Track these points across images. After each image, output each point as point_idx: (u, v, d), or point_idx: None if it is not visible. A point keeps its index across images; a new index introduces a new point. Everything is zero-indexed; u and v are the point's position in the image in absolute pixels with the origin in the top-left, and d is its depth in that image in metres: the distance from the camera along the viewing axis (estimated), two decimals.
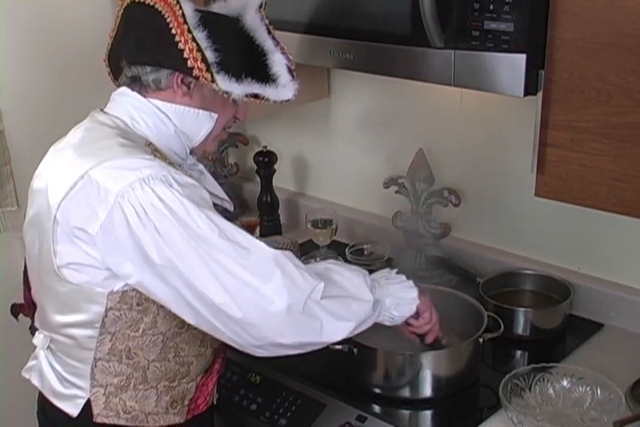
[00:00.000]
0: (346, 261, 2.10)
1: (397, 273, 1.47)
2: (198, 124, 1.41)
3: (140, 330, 1.36)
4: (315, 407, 1.61)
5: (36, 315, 1.50)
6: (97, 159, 1.28)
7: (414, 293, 1.45)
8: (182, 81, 1.37)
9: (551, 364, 1.57)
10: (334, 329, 1.30)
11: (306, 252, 2.16)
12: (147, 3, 1.33)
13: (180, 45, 1.30)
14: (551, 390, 1.53)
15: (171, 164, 1.35)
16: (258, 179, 2.32)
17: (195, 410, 1.48)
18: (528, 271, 1.92)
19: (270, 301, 1.24)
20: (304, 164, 2.38)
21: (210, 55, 1.31)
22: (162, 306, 1.32)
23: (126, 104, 1.40)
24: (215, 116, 1.42)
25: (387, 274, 1.46)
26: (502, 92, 1.42)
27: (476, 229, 2.02)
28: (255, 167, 2.30)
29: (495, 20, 1.35)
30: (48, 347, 1.46)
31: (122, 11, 1.40)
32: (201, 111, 1.40)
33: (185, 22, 1.30)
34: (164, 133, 1.39)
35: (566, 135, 1.40)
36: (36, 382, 1.50)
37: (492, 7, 1.35)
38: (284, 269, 1.26)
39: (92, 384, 1.39)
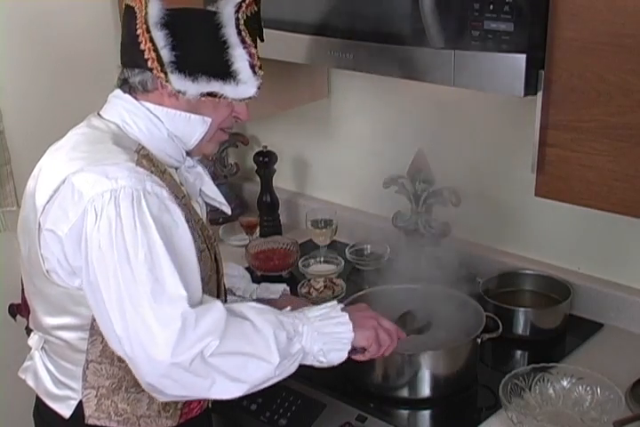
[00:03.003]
0: (346, 261, 2.11)
1: (342, 310, 1.38)
2: (191, 127, 1.40)
3: None
4: (315, 407, 1.61)
5: (30, 316, 1.50)
6: (80, 164, 1.29)
7: (348, 335, 1.35)
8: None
9: (551, 364, 1.57)
10: (225, 388, 1.26)
11: (306, 252, 2.16)
12: (130, 5, 1.33)
13: (142, 46, 1.30)
14: (551, 391, 1.53)
15: (162, 171, 1.35)
16: (258, 179, 2.32)
17: (188, 414, 1.47)
18: (528, 271, 1.92)
19: (159, 350, 1.21)
20: (304, 164, 2.38)
21: (165, 54, 1.30)
22: None
23: (119, 107, 1.39)
24: (208, 120, 1.40)
25: (325, 312, 1.37)
26: (502, 92, 1.42)
27: (476, 229, 2.02)
28: (255, 167, 2.30)
29: (495, 20, 1.35)
30: (42, 348, 1.47)
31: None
32: (192, 115, 1.38)
33: (146, 22, 1.30)
34: (157, 137, 1.38)
35: (566, 135, 1.40)
36: (30, 382, 1.50)
37: (491, 7, 1.35)
38: (185, 325, 1.21)
39: (83, 386, 1.40)
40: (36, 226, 1.31)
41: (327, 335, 1.33)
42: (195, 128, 1.40)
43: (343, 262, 2.10)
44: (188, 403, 1.47)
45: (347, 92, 2.18)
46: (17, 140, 2.06)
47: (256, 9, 1.38)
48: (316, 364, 1.35)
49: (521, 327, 1.78)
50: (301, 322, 1.33)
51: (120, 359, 1.36)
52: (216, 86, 1.33)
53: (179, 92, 1.32)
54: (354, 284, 2.01)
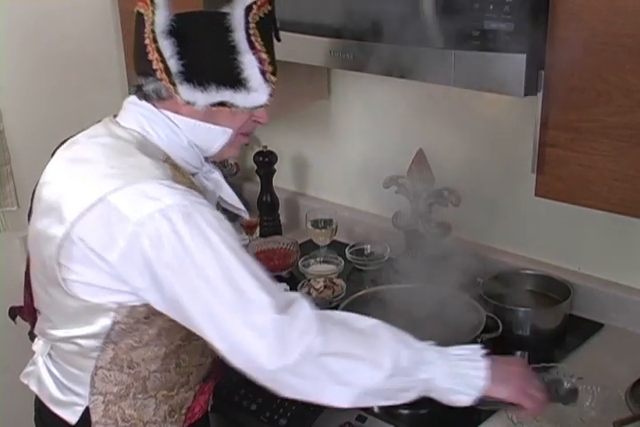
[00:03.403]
0: (346, 261, 2.11)
1: (483, 355, 1.30)
2: (211, 137, 1.38)
3: (144, 342, 1.34)
4: (315, 407, 1.60)
5: (37, 323, 1.48)
6: (117, 183, 1.24)
7: (481, 381, 1.27)
8: None
9: (551, 364, 1.57)
10: (335, 393, 1.23)
11: (306, 252, 2.15)
12: (139, 10, 1.31)
13: (149, 56, 1.27)
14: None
15: (190, 181, 1.33)
16: (258, 179, 2.32)
17: (191, 418, 1.47)
18: (528, 271, 1.92)
19: (263, 358, 1.19)
20: (304, 164, 2.38)
21: (173, 65, 1.27)
22: (169, 319, 1.30)
23: (137, 114, 1.36)
24: (229, 131, 1.37)
25: (467, 353, 1.30)
26: (502, 92, 1.42)
27: (476, 229, 2.02)
28: (255, 167, 2.30)
29: (495, 20, 1.35)
30: (48, 354, 1.45)
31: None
32: (213, 126, 1.36)
33: (153, 31, 1.27)
34: (177, 145, 1.36)
35: (566, 135, 1.40)
36: (34, 387, 1.48)
37: (491, 7, 1.35)
38: (280, 330, 1.20)
39: (91, 392, 1.38)
40: (60, 240, 1.27)
41: (461, 376, 1.27)
42: (215, 138, 1.38)
43: (343, 262, 2.10)
44: (192, 407, 1.47)
45: (347, 93, 2.18)
46: (17, 140, 2.06)
47: (269, 8, 1.34)
48: (441, 400, 1.30)
49: (521, 327, 1.78)
50: (438, 355, 1.28)
51: (130, 366, 1.36)
52: (226, 95, 1.30)
53: (188, 102, 1.29)
54: (354, 284, 2.01)
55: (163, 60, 1.26)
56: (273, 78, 1.32)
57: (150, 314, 1.31)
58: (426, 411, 1.61)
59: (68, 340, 1.37)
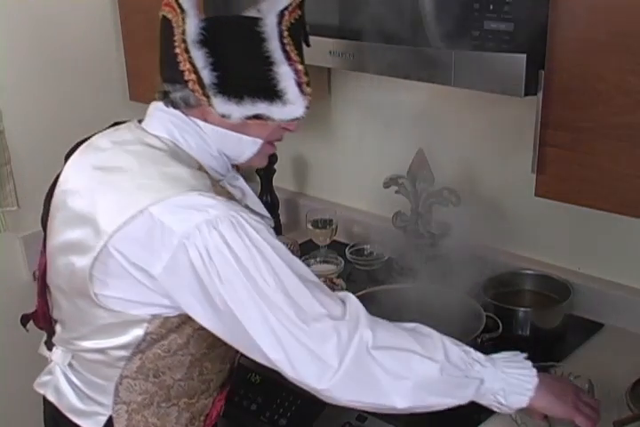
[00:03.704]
0: (346, 261, 2.11)
1: (525, 358, 1.32)
2: (241, 148, 1.35)
3: (172, 350, 1.33)
4: (315, 407, 1.60)
5: (58, 333, 1.44)
6: (157, 194, 1.21)
7: (532, 379, 1.28)
8: None
9: (550, 363, 1.57)
10: (392, 389, 1.20)
11: (306, 252, 2.16)
12: (167, 17, 1.27)
13: (181, 66, 1.24)
14: None
15: (225, 189, 1.32)
16: (258, 179, 2.32)
17: (209, 424, 1.47)
18: (528, 271, 1.92)
19: (326, 365, 1.17)
20: (304, 164, 2.38)
21: (206, 76, 1.24)
22: (198, 328, 1.29)
23: (166, 121, 1.33)
24: (260, 142, 1.35)
25: (509, 355, 1.33)
26: (502, 92, 1.42)
27: (476, 230, 2.02)
28: (255, 167, 2.30)
29: (495, 20, 1.35)
30: (69, 363, 1.41)
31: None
32: (244, 137, 1.33)
33: (184, 40, 1.23)
34: (206, 153, 1.33)
35: (566, 135, 1.40)
36: (51, 398, 1.44)
37: (491, 7, 1.35)
38: (341, 336, 1.18)
39: (115, 401, 1.36)
40: (96, 253, 1.23)
41: (511, 376, 1.27)
42: (245, 148, 1.36)
43: (343, 262, 2.09)
44: (209, 414, 1.46)
45: (347, 92, 2.18)
46: (17, 140, 2.06)
47: (300, 13, 1.30)
48: (495, 406, 1.29)
49: (521, 327, 1.78)
50: (485, 357, 1.28)
51: (155, 375, 1.34)
52: (262, 108, 1.27)
53: (223, 116, 1.26)
54: (354, 284, 2.01)
55: (196, 72, 1.23)
56: (308, 90, 1.28)
57: (181, 323, 1.29)
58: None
59: (95, 351, 1.34)
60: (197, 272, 1.18)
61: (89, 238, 1.25)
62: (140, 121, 1.38)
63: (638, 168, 1.34)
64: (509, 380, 1.27)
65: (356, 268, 2.13)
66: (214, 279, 1.17)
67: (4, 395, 2.18)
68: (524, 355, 1.32)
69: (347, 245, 2.17)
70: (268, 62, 1.26)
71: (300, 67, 1.27)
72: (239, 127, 1.31)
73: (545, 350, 1.76)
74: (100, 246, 1.23)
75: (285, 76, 1.27)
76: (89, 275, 1.25)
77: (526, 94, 1.39)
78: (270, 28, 1.26)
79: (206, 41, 1.24)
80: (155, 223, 1.19)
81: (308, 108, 1.29)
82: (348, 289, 1.96)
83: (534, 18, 1.34)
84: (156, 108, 1.35)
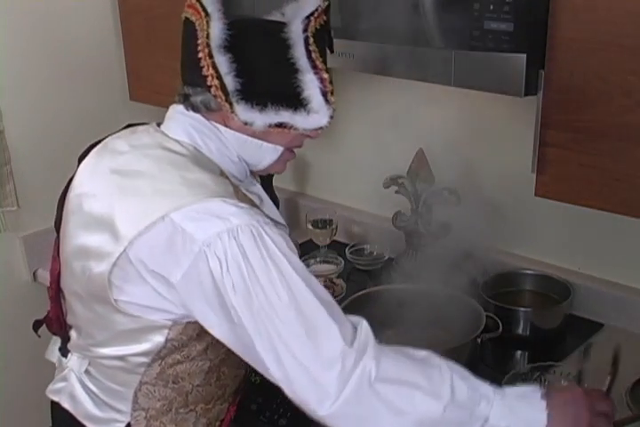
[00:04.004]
0: (346, 261, 2.11)
1: (542, 396, 1.19)
2: (261, 154, 1.33)
3: (191, 356, 1.31)
4: None
5: (74, 339, 1.42)
6: (179, 200, 1.18)
7: (540, 424, 1.17)
8: None
9: (548, 362, 1.57)
10: (391, 423, 1.14)
11: (306, 252, 2.15)
12: (190, 19, 1.25)
13: (204, 71, 1.21)
14: None
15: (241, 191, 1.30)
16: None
17: None
18: (528, 271, 1.92)
19: (325, 391, 1.13)
20: (304, 164, 2.38)
21: (230, 82, 1.21)
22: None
23: (187, 125, 1.30)
24: (280, 149, 1.32)
25: (523, 392, 1.21)
26: (502, 92, 1.42)
27: (476, 229, 2.02)
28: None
29: (495, 20, 1.35)
30: (85, 370, 1.39)
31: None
32: (265, 144, 1.31)
33: (208, 45, 1.21)
34: (227, 158, 1.31)
35: (566, 135, 1.40)
36: (66, 405, 1.41)
37: (491, 7, 1.35)
38: (345, 363, 1.13)
39: (133, 408, 1.35)
40: (115, 258, 1.21)
41: (518, 417, 1.17)
42: (265, 155, 1.33)
43: (343, 262, 2.09)
44: (225, 420, 1.45)
45: (347, 93, 2.18)
46: (17, 140, 2.06)
47: (325, 19, 1.27)
48: None
49: (521, 327, 1.78)
50: (496, 392, 1.18)
51: (175, 381, 1.33)
52: (285, 116, 1.24)
53: (245, 123, 1.23)
54: (354, 284, 2.02)
55: (219, 77, 1.20)
56: (333, 99, 1.26)
57: (202, 331, 1.26)
58: None
59: (114, 357, 1.32)
60: (216, 281, 1.16)
61: (107, 244, 1.23)
62: (158, 124, 1.36)
63: (638, 168, 1.34)
64: (517, 421, 1.17)
65: (356, 268, 2.13)
66: (229, 290, 1.15)
67: (5, 394, 2.18)
68: (542, 391, 1.20)
69: (347, 245, 2.17)
70: (293, 70, 1.24)
71: (325, 75, 1.25)
72: (260, 134, 1.28)
73: (545, 350, 1.76)
74: (119, 252, 1.20)
75: (310, 84, 1.24)
76: (107, 281, 1.23)
77: (526, 94, 1.39)
78: (296, 34, 1.24)
79: (231, 46, 1.21)
80: (176, 230, 1.17)
81: (332, 117, 1.27)
82: (348, 289, 1.96)
83: (534, 18, 1.34)
84: (177, 112, 1.32)
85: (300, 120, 1.25)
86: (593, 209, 1.44)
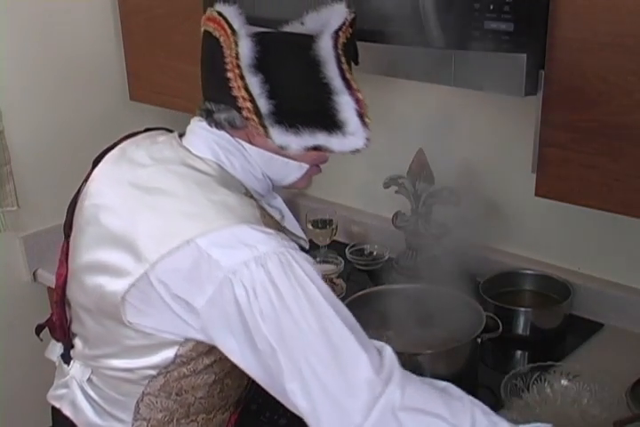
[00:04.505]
0: (346, 261, 2.11)
1: None
2: (286, 172, 1.31)
3: (198, 370, 1.29)
4: None
5: (78, 349, 1.40)
6: (205, 225, 1.16)
7: None
8: None
9: (548, 362, 1.57)
10: None
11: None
12: (214, 34, 1.21)
13: (234, 92, 1.18)
14: (549, 390, 1.53)
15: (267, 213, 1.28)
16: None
17: None
18: (528, 271, 1.92)
19: (350, 420, 1.09)
20: None
21: (263, 105, 1.18)
22: None
23: (211, 142, 1.27)
24: (306, 167, 1.30)
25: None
26: (502, 92, 1.42)
27: (476, 229, 2.02)
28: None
29: (495, 20, 1.35)
30: (88, 379, 1.37)
31: (202, 35, 1.27)
32: (291, 161, 1.28)
33: (238, 66, 1.17)
34: (251, 175, 1.29)
35: (566, 135, 1.40)
36: (68, 412, 1.40)
37: (492, 7, 1.35)
38: (374, 392, 1.09)
39: (134, 418, 1.33)
40: (136, 277, 1.18)
41: None
42: (290, 172, 1.31)
43: (343, 262, 2.10)
44: (236, 420, 1.45)
45: None
46: (17, 140, 2.06)
47: (351, 31, 1.24)
48: None
49: (521, 327, 1.78)
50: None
51: (177, 393, 1.31)
52: (321, 139, 1.22)
53: (281, 147, 1.21)
54: (354, 284, 2.02)
55: (252, 100, 1.17)
56: (369, 121, 1.24)
57: (212, 348, 1.24)
58: None
59: (120, 369, 1.31)
60: (241, 309, 1.13)
61: (126, 263, 1.20)
62: (180, 135, 1.34)
63: (638, 168, 1.34)
64: None
65: (356, 268, 2.13)
66: (257, 317, 1.12)
67: (5, 394, 2.18)
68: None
69: (347, 245, 2.17)
70: (327, 90, 1.21)
71: (360, 96, 1.23)
72: (285, 151, 1.26)
73: (545, 350, 1.76)
74: (140, 274, 1.18)
75: (346, 106, 1.22)
76: (121, 299, 1.21)
77: (526, 94, 1.39)
78: (326, 51, 1.21)
79: (261, 65, 1.18)
80: (201, 255, 1.14)
81: (368, 139, 1.25)
82: (348, 289, 1.96)
83: (534, 18, 1.34)
84: (200, 127, 1.29)
85: (336, 142, 1.23)
86: (593, 209, 1.44)
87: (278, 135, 1.20)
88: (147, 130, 1.42)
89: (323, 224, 2.17)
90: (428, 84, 1.53)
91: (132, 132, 1.41)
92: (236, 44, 1.17)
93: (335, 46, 1.21)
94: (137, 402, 1.32)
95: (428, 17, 1.40)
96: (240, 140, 1.27)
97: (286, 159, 1.28)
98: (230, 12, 1.21)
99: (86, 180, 1.36)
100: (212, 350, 1.26)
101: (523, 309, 1.78)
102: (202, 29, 1.26)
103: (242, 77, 1.17)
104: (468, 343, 1.59)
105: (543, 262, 1.95)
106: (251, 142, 1.27)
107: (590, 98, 1.35)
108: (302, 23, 1.28)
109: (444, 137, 1.99)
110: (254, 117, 1.19)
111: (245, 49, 1.17)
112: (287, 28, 1.30)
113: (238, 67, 1.17)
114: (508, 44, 1.36)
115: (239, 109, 1.19)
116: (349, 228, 2.25)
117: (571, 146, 1.40)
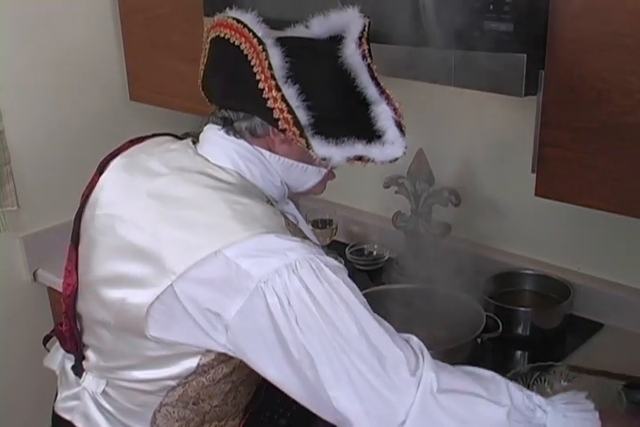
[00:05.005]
0: (346, 261, 2.11)
1: (586, 397, 1.23)
2: (305, 178, 1.31)
3: (217, 380, 1.28)
4: None
5: (93, 360, 1.36)
6: (232, 236, 1.14)
7: (594, 422, 1.19)
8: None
9: (548, 362, 1.57)
10: None
11: None
12: (232, 41, 1.18)
13: (270, 104, 1.15)
14: (549, 390, 1.53)
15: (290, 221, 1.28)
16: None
17: None
18: (528, 271, 1.92)
19: (398, 414, 1.10)
20: None
21: (302, 116, 1.15)
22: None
23: (230, 150, 1.25)
24: (324, 171, 1.30)
25: (568, 396, 1.22)
26: (502, 92, 1.42)
27: (476, 229, 2.02)
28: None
29: (495, 20, 1.35)
30: (102, 391, 1.34)
31: (209, 41, 1.25)
32: (310, 167, 1.28)
33: (272, 77, 1.14)
34: (270, 183, 1.28)
35: (566, 135, 1.40)
36: (79, 424, 1.37)
37: (491, 7, 1.35)
38: (414, 381, 1.11)
39: None
40: (162, 289, 1.15)
41: (572, 421, 1.18)
42: (309, 178, 1.31)
43: (343, 262, 2.09)
44: (246, 423, 1.44)
45: None
46: (17, 140, 2.06)
47: (367, 35, 1.26)
48: None
49: (521, 327, 1.78)
50: (545, 401, 1.19)
51: (195, 403, 1.30)
52: (360, 149, 1.20)
53: (324, 158, 1.19)
54: (354, 284, 2.01)
55: (290, 111, 1.15)
56: (404, 129, 1.24)
57: (233, 355, 1.23)
58: None
59: (139, 381, 1.29)
60: (274, 318, 1.11)
61: (150, 275, 1.17)
62: (193, 142, 1.32)
63: (638, 168, 1.34)
64: (572, 423, 1.18)
65: (356, 268, 2.13)
66: (293, 326, 1.11)
67: (5, 393, 2.18)
68: (585, 394, 1.24)
69: (347, 245, 2.17)
70: (362, 100, 1.22)
71: (397, 104, 1.23)
72: (306, 157, 1.24)
73: (545, 350, 1.76)
74: (166, 285, 1.15)
75: (384, 115, 1.22)
76: (145, 313, 1.18)
77: (526, 94, 1.39)
78: (354, 59, 1.22)
79: (295, 76, 1.16)
80: (229, 266, 1.12)
81: (407, 147, 1.24)
82: None
83: (534, 18, 1.34)
84: (217, 136, 1.27)
85: (376, 152, 1.22)
86: (593, 209, 1.44)
87: (320, 147, 1.18)
88: (153, 135, 1.40)
89: (323, 224, 2.17)
90: (428, 84, 1.53)
91: (136, 136, 1.40)
92: (267, 55, 1.15)
93: (363, 54, 1.22)
94: (154, 413, 1.31)
95: (428, 17, 1.40)
96: (259, 149, 1.26)
97: (305, 165, 1.28)
98: (250, 19, 1.19)
99: (91, 186, 1.33)
100: (232, 358, 1.23)
101: (523, 309, 1.78)
102: (209, 34, 1.24)
103: (278, 88, 1.15)
104: (468, 343, 1.60)
105: (543, 262, 1.95)
106: (271, 150, 1.26)
107: (590, 98, 1.35)
108: (307, 26, 1.27)
109: (444, 137, 1.99)
110: (295, 129, 1.16)
111: (277, 59, 1.16)
112: (290, 31, 1.30)
113: (272, 77, 1.15)
114: (507, 44, 1.36)
115: (274, 121, 1.16)
116: (349, 228, 2.25)
117: (571, 146, 1.40)
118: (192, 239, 1.16)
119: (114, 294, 1.24)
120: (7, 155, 2.04)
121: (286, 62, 1.16)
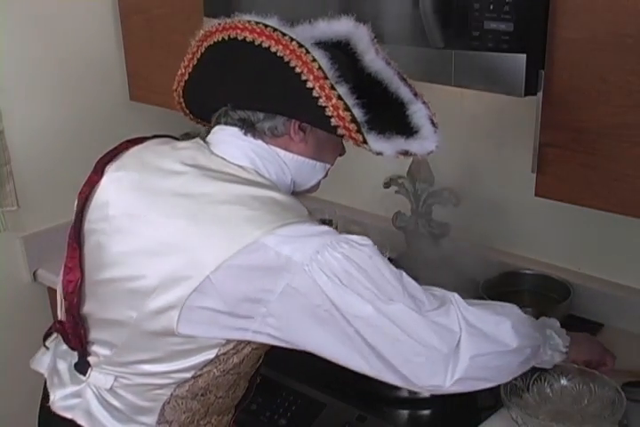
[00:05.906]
0: None
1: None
2: (313, 174, 1.37)
3: (226, 370, 1.29)
4: (315, 407, 1.61)
5: (106, 356, 1.33)
6: (268, 226, 1.17)
7: (567, 341, 1.43)
8: (299, 127, 1.28)
9: None
10: (498, 332, 1.28)
11: None
12: (257, 43, 1.22)
13: (322, 102, 1.19)
14: (549, 390, 1.53)
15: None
16: None
17: None
18: (528, 271, 1.92)
19: (455, 334, 1.24)
20: None
21: (358, 113, 1.20)
22: (255, 348, 1.27)
23: (248, 150, 1.28)
24: (328, 166, 1.38)
25: (545, 320, 1.46)
26: (502, 92, 1.42)
27: (476, 230, 2.02)
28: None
29: (495, 20, 1.35)
30: (111, 387, 1.33)
31: (208, 44, 1.29)
32: (318, 163, 1.35)
33: (325, 77, 1.19)
34: (282, 182, 1.32)
35: (566, 135, 1.40)
36: (82, 421, 1.36)
37: (491, 7, 1.35)
38: (451, 302, 1.27)
39: (158, 421, 1.32)
40: (200, 279, 1.16)
41: (551, 338, 1.42)
42: (316, 175, 1.38)
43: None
44: (235, 420, 1.47)
45: None
46: (17, 140, 2.06)
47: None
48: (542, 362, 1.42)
49: None
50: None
51: (203, 394, 1.32)
52: (404, 144, 1.26)
53: (378, 153, 1.23)
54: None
55: (347, 108, 1.19)
56: (437, 125, 1.32)
57: (246, 344, 1.26)
58: (426, 411, 1.61)
59: (155, 374, 1.29)
60: (328, 296, 1.16)
61: (183, 269, 1.18)
62: (204, 140, 1.33)
63: (638, 168, 1.34)
64: (551, 342, 1.41)
65: None
66: (348, 299, 1.16)
67: (5, 393, 2.18)
68: (555, 322, 1.46)
69: None
70: (400, 102, 1.32)
71: (427, 101, 1.32)
72: (317, 154, 1.34)
73: None
74: (204, 276, 1.17)
75: (419, 113, 1.31)
76: (178, 309, 1.19)
77: (526, 94, 1.39)
78: (377, 64, 1.35)
79: (346, 77, 1.22)
80: (268, 254, 1.15)
81: (439, 141, 1.31)
82: None
83: (534, 18, 1.34)
84: (232, 136, 1.30)
85: (415, 146, 1.28)
86: (593, 209, 1.44)
87: (374, 142, 1.22)
88: (154, 136, 1.40)
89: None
90: (428, 84, 1.52)
91: (134, 137, 1.39)
92: (312, 57, 1.20)
93: (387, 61, 1.34)
94: (163, 405, 1.31)
95: (427, 17, 1.40)
96: (274, 148, 1.30)
97: (314, 162, 1.34)
98: (277, 23, 1.24)
99: (91, 185, 1.33)
100: (245, 346, 1.26)
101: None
102: (218, 37, 1.27)
103: (332, 88, 1.19)
104: None
105: (543, 262, 1.95)
106: (286, 149, 1.30)
107: (590, 98, 1.35)
108: (310, 24, 1.33)
109: (444, 137, 1.98)
110: (352, 126, 1.20)
111: (325, 60, 1.20)
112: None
113: (325, 78, 1.19)
114: (507, 44, 1.36)
115: (327, 118, 1.20)
116: (349, 228, 2.24)
117: (571, 146, 1.40)
118: (227, 232, 1.18)
119: (138, 292, 1.23)
120: (7, 155, 2.04)
121: (333, 62, 1.21)
